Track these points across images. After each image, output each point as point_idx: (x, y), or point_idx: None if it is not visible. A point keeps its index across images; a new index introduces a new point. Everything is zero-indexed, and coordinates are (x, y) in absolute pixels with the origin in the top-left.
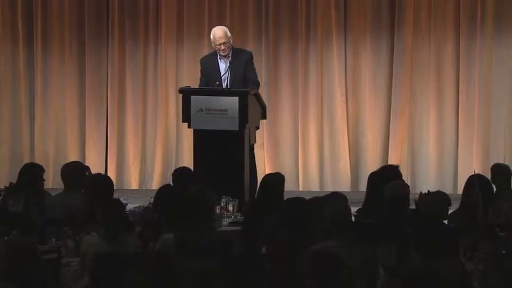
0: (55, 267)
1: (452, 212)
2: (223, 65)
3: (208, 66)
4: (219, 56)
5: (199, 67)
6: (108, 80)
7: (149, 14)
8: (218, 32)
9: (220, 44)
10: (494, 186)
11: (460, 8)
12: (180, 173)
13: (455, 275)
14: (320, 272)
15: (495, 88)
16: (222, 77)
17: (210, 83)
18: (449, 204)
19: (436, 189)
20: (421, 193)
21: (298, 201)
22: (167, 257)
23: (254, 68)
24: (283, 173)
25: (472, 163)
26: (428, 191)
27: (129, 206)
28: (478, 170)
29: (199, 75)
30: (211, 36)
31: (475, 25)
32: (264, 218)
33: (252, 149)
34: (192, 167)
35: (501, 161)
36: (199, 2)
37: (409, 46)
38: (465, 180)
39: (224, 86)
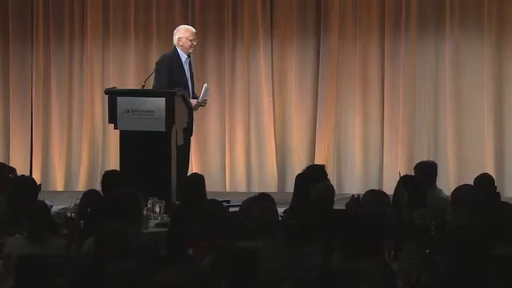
0: None
1: (380, 212)
2: (185, 66)
3: (175, 66)
4: (182, 57)
5: (126, 67)
6: (33, 79)
7: (74, 14)
8: (193, 29)
9: (194, 40)
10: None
11: (384, 11)
12: (109, 176)
13: (380, 274)
14: (242, 272)
15: (419, 90)
16: (188, 78)
17: (176, 84)
18: (389, 204)
19: (363, 190)
20: (353, 196)
21: (217, 203)
22: (93, 259)
23: None
24: (210, 174)
25: (397, 164)
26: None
27: (55, 208)
28: (402, 171)
29: (146, 76)
30: (187, 32)
31: (399, 29)
32: (188, 219)
33: (186, 150)
34: (118, 168)
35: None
36: (125, 3)
37: (334, 48)
38: (390, 181)
39: (190, 87)
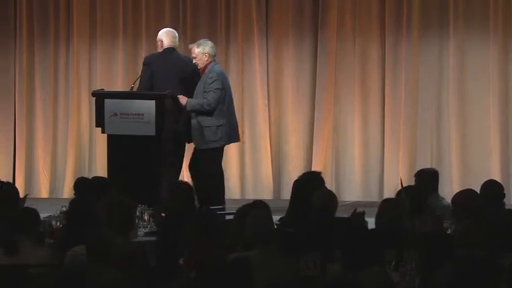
0: None
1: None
2: None
3: None
4: None
5: (114, 69)
6: (16, 81)
7: (60, 14)
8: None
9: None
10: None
11: (385, 10)
12: (84, 183)
13: (380, 285)
14: (235, 282)
15: (421, 91)
16: None
17: None
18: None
19: (362, 198)
20: (355, 210)
21: (209, 210)
22: (77, 270)
23: None
24: None
25: (398, 169)
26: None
27: None
28: (404, 177)
29: (135, 77)
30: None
31: (400, 27)
32: (179, 228)
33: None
34: (106, 174)
35: (428, 166)
36: (113, 2)
37: (332, 48)
38: (391, 188)
39: None
